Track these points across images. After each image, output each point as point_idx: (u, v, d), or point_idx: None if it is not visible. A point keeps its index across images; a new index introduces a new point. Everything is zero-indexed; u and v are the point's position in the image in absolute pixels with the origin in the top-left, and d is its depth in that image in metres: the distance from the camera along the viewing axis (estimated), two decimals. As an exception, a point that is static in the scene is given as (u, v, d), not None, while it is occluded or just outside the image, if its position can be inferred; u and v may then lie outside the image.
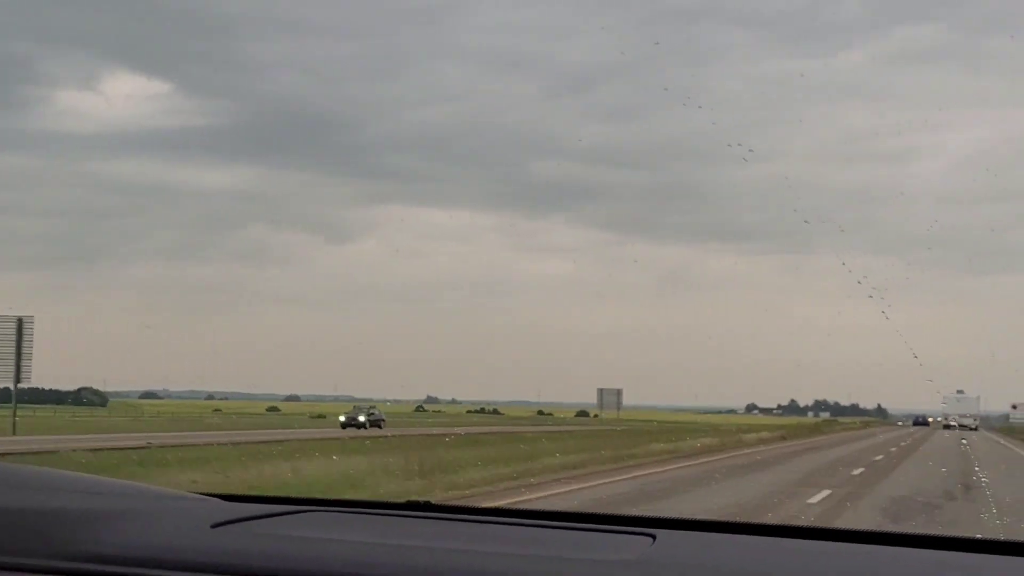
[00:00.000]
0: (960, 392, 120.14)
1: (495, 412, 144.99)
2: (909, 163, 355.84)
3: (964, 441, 69.22)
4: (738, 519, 3.90)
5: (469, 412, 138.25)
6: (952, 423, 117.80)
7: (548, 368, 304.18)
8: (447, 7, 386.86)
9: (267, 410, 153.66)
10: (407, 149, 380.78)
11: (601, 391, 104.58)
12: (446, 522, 2.77)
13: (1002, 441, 76.09)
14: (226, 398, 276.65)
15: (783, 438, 66.83)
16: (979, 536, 2.82)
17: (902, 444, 62.74)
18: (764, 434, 66.41)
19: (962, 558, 2.30)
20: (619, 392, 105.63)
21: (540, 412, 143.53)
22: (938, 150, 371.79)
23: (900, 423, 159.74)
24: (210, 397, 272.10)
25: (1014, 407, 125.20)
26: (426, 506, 2.94)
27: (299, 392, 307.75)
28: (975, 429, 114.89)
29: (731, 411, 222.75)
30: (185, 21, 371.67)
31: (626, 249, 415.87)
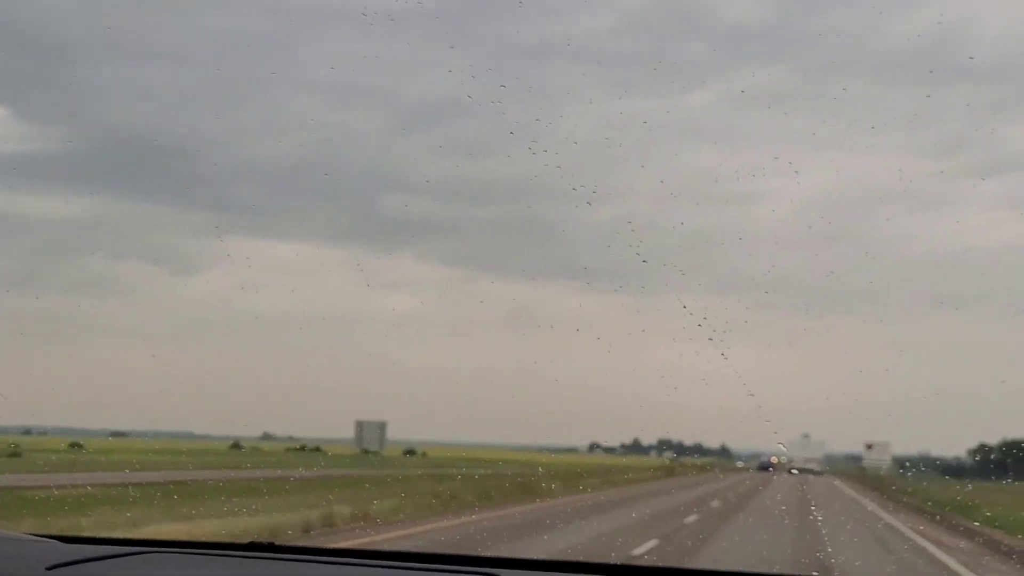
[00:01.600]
0: (805, 436, 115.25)
1: (317, 450, 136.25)
2: (753, 205, 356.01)
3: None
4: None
5: (288, 451, 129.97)
6: (796, 468, 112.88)
7: (392, 404, 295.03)
8: (293, 37, 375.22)
9: (70, 446, 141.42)
10: (253, 180, 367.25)
11: (360, 424, 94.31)
12: (289, 563, 2.69)
13: (887, 518, 39.11)
14: (45, 433, 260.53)
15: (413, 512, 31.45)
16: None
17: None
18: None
19: None
20: (382, 426, 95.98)
21: (365, 451, 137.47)
22: (781, 193, 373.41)
23: (741, 464, 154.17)
24: (27, 432, 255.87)
25: (869, 446, 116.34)
26: (270, 547, 2.86)
27: (134, 428, 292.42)
28: (820, 474, 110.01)
29: (573, 450, 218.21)
30: (20, 45, 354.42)
31: (474, 286, 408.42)
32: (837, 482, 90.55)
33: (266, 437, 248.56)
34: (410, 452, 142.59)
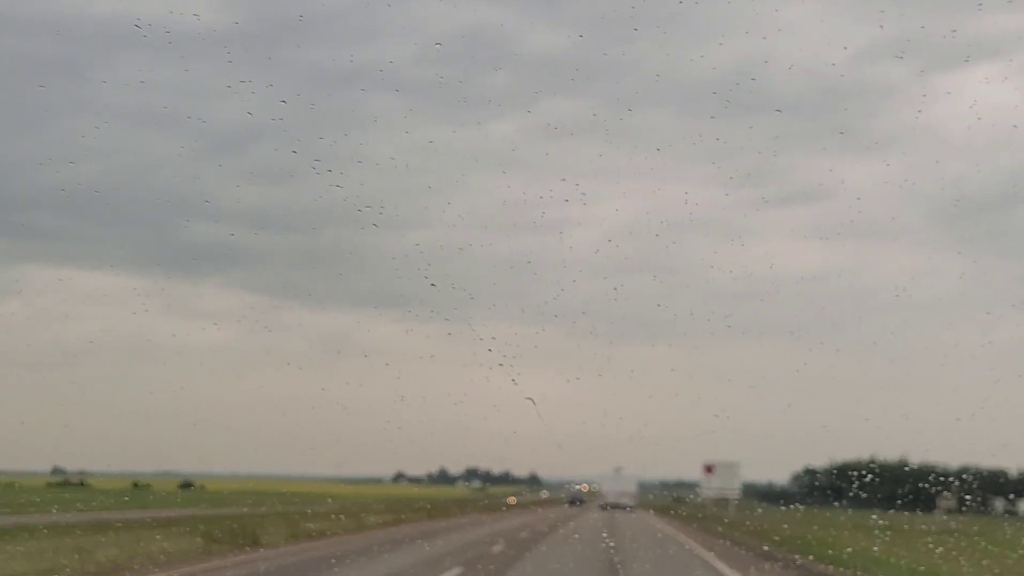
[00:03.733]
0: (617, 469, 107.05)
1: (81, 484, 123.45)
2: (563, 234, 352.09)
3: None
4: None
5: (50, 485, 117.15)
6: (608, 503, 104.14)
7: (199, 436, 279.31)
8: (89, 61, 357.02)
9: None
10: (50, 208, 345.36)
11: None
12: None
13: None
14: None
15: None
16: None
17: None
18: None
19: None
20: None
21: (136, 485, 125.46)
22: (590, 222, 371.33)
23: (545, 495, 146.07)
24: None
25: (709, 469, 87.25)
26: None
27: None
28: (632, 508, 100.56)
29: (378, 480, 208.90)
30: None
31: (283, 314, 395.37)
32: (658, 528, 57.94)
33: (56, 471, 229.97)
34: (186, 485, 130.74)
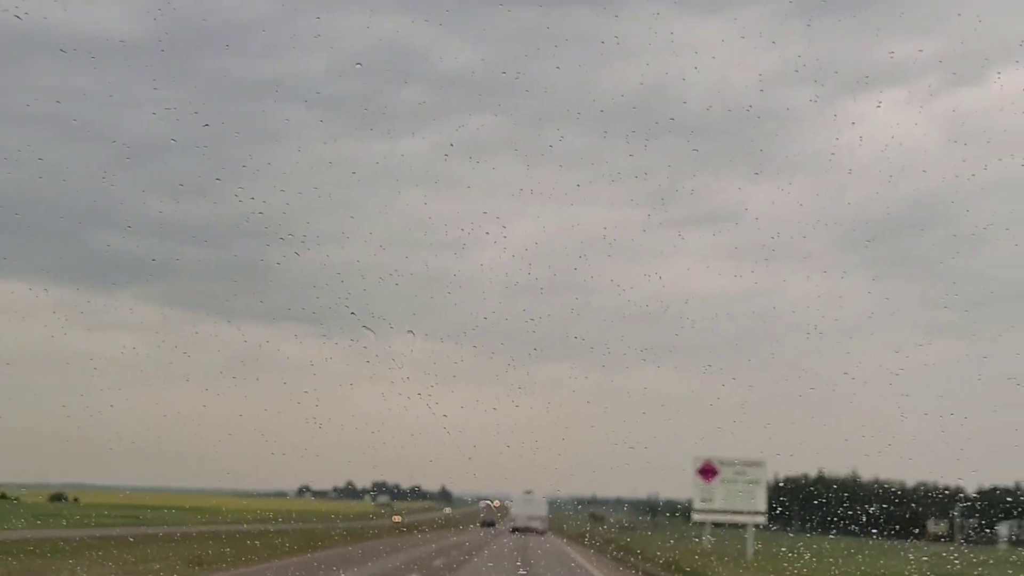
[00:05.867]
0: (528, 493, 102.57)
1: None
2: (475, 252, 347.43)
3: None
4: None
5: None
6: (518, 527, 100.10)
7: (95, 446, 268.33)
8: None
9: None
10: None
11: None
12: None
13: None
14: None
15: None
16: None
17: None
18: None
19: None
20: None
21: (3, 496, 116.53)
22: (503, 240, 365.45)
23: (449, 511, 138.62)
24: None
25: (709, 473, 56.37)
26: None
27: None
28: (543, 533, 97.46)
29: (282, 494, 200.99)
30: None
31: (197, 328, 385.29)
32: None
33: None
34: (57, 497, 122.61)
